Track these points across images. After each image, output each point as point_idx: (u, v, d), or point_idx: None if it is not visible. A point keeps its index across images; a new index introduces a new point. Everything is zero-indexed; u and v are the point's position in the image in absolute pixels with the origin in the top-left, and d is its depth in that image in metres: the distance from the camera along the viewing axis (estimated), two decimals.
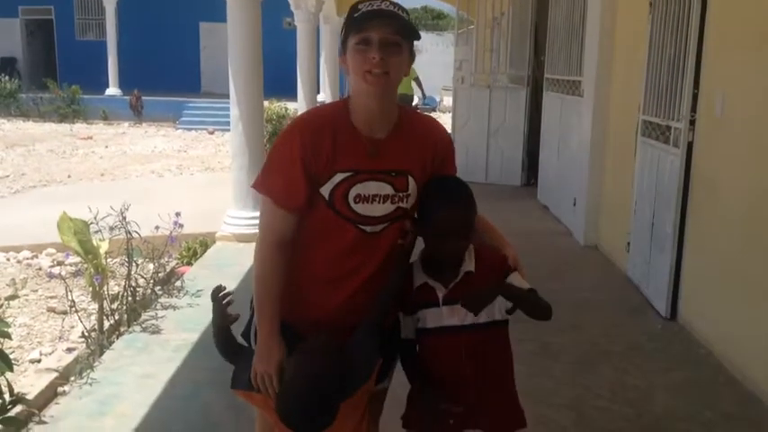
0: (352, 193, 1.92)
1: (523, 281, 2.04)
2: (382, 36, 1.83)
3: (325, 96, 15.82)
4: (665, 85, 4.75)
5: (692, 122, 4.39)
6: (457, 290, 1.96)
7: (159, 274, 5.33)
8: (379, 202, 1.95)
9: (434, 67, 25.26)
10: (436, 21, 37.07)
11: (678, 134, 4.51)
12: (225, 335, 2.07)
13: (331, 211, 1.93)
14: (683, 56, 4.46)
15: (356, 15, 1.86)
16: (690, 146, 4.42)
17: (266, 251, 1.97)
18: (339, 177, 1.91)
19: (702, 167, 4.32)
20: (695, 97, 4.36)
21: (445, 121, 13.85)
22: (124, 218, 4.79)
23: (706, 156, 4.28)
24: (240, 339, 2.11)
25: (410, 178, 1.97)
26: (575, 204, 6.74)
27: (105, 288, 4.57)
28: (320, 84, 15.94)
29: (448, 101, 19.38)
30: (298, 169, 1.89)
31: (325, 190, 1.92)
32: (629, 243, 5.40)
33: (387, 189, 1.95)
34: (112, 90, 21.27)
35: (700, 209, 4.36)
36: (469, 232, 1.98)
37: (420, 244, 2.05)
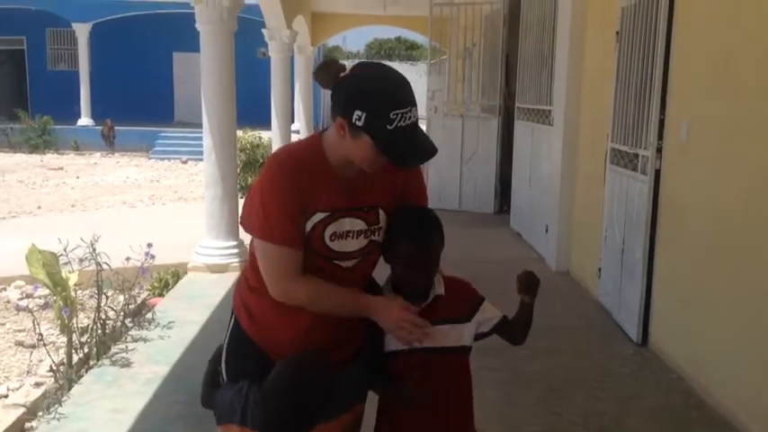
0: (328, 231, 1.92)
1: (494, 309, 2.10)
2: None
3: (299, 125, 15.86)
4: (633, 113, 4.84)
5: (659, 150, 4.47)
6: (427, 312, 1.97)
7: (130, 306, 5.27)
8: (352, 238, 1.96)
9: None
10: (410, 51, 37.52)
11: (646, 161, 4.59)
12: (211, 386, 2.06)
13: (309, 250, 1.93)
14: (650, 84, 4.56)
15: (392, 127, 1.77)
16: (657, 173, 4.49)
17: (301, 284, 1.93)
18: (318, 217, 1.91)
19: (670, 194, 4.40)
20: (662, 125, 4.45)
21: None
22: (94, 249, 4.74)
23: (673, 182, 4.36)
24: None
25: (380, 211, 1.99)
26: (547, 231, 6.80)
27: (74, 321, 4.50)
28: (294, 113, 15.98)
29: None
30: (298, 207, 1.88)
31: (306, 227, 1.91)
32: (600, 269, 5.46)
33: (360, 225, 1.96)
34: (84, 120, 21.16)
35: (668, 235, 4.43)
36: (437, 264, 2.00)
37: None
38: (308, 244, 1.92)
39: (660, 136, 4.45)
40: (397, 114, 1.76)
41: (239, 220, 2.03)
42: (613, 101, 5.18)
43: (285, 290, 1.94)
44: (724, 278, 3.73)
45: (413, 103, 1.81)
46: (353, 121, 1.78)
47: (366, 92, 1.80)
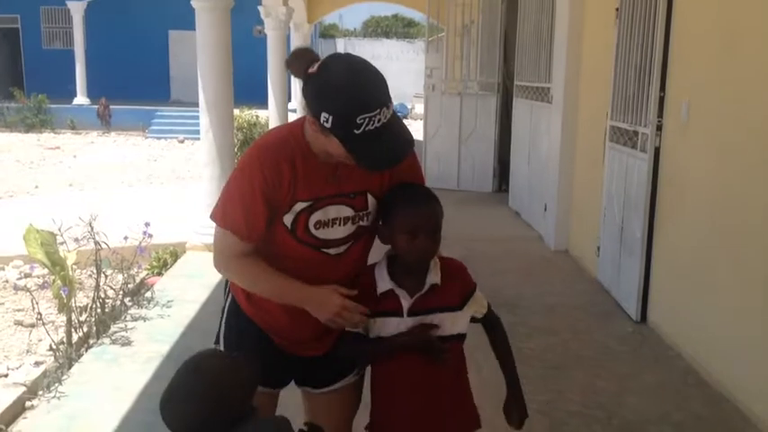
0: (312, 220, 1.90)
1: (483, 298, 2.07)
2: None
3: (296, 104, 15.79)
4: (632, 90, 4.82)
5: (659, 128, 4.45)
6: (421, 302, 1.94)
7: (129, 285, 5.27)
8: (339, 225, 1.93)
9: (405, 75, 25.38)
10: (407, 28, 37.23)
11: (645, 139, 4.57)
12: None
13: (293, 240, 1.91)
14: (650, 61, 4.53)
15: (359, 132, 1.69)
16: (657, 151, 4.48)
17: (235, 264, 1.94)
18: (300, 206, 1.88)
19: (669, 172, 4.39)
20: (662, 102, 4.42)
21: (417, 128, 13.87)
22: (92, 228, 4.73)
23: (673, 160, 4.35)
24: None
25: (369, 196, 1.95)
26: (545, 210, 6.79)
27: (73, 300, 4.50)
28: (291, 91, 15.91)
29: (419, 108, 19.46)
30: (258, 203, 1.85)
31: (287, 219, 1.89)
32: (599, 247, 5.46)
33: (346, 211, 1.93)
34: (80, 99, 21.04)
35: (667, 213, 4.42)
36: (438, 233, 1.93)
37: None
38: (293, 233, 1.90)
39: (660, 113, 4.43)
40: (365, 118, 1.68)
41: None
42: (613, 78, 5.15)
43: (220, 267, 1.98)
44: (723, 256, 3.73)
45: (384, 104, 1.70)
46: (321, 122, 1.72)
47: (332, 94, 1.71)
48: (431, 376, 1.95)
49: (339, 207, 1.91)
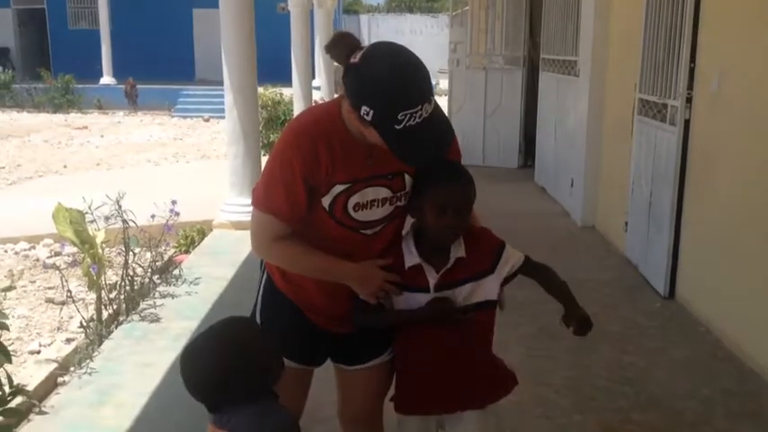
0: (351, 202, 1.89)
1: (515, 251, 2.05)
2: None
3: (320, 81, 15.74)
4: (662, 62, 4.73)
5: (689, 100, 4.37)
6: (447, 276, 1.93)
7: (157, 263, 5.32)
8: (377, 207, 1.92)
9: (429, 50, 25.12)
10: (431, 3, 36.87)
11: (675, 112, 4.49)
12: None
13: (332, 221, 1.91)
14: (680, 33, 4.43)
15: (400, 127, 1.68)
16: (687, 123, 4.40)
17: (275, 247, 1.94)
18: (338, 189, 1.87)
19: (699, 145, 4.31)
20: (692, 74, 4.33)
21: (441, 104, 13.76)
22: (120, 207, 4.77)
23: (703, 133, 4.27)
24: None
25: (406, 176, 1.94)
26: (572, 185, 6.73)
27: (103, 278, 4.55)
28: (315, 68, 15.86)
29: (443, 84, 19.31)
30: (299, 185, 1.84)
31: (326, 201, 1.89)
32: (626, 223, 5.40)
33: (384, 192, 1.92)
34: (107, 79, 21.19)
35: (697, 187, 4.35)
36: (467, 212, 1.93)
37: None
38: (332, 215, 1.90)
39: (690, 85, 4.35)
40: (406, 115, 1.67)
41: None
42: (642, 50, 5.05)
43: (260, 250, 1.99)
44: (754, 230, 3.67)
45: (425, 99, 1.69)
46: (362, 114, 1.71)
47: (374, 89, 1.69)
48: (454, 344, 1.95)
49: (377, 189, 1.90)
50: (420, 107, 1.68)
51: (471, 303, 1.95)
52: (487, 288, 1.98)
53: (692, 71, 4.33)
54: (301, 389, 2.16)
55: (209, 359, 1.67)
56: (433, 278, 1.93)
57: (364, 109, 1.70)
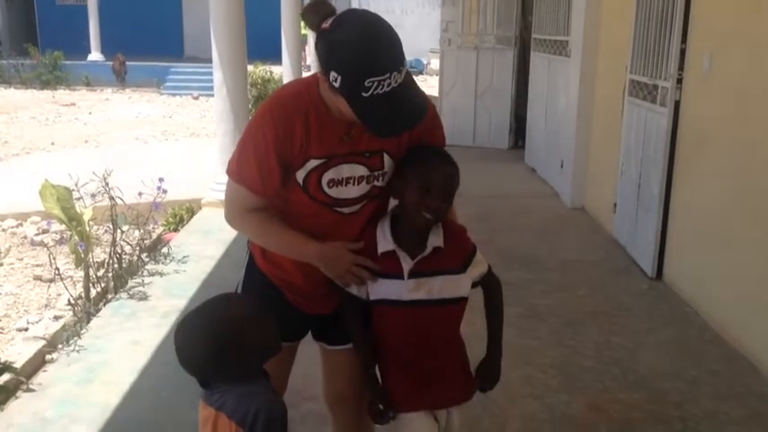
0: (325, 178, 1.87)
1: (483, 261, 2.02)
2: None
3: (310, 60, 15.64)
4: (653, 43, 4.72)
5: (680, 81, 4.36)
6: (423, 264, 1.90)
7: (145, 241, 5.31)
8: (353, 184, 1.90)
9: (421, 30, 24.99)
10: None
11: (665, 93, 4.49)
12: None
13: (306, 196, 1.90)
14: (671, 14, 4.42)
15: (368, 95, 1.64)
16: (677, 105, 4.40)
17: (246, 219, 1.94)
18: (312, 164, 1.85)
19: (689, 126, 4.32)
20: (683, 55, 4.33)
21: (432, 84, 13.73)
22: (107, 184, 4.74)
23: (693, 115, 4.27)
24: None
25: (385, 156, 1.91)
26: (562, 166, 6.73)
27: (91, 255, 4.53)
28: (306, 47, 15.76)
29: (435, 64, 19.23)
30: (272, 158, 1.82)
31: (300, 175, 1.87)
32: (615, 204, 5.41)
33: (361, 170, 1.89)
34: (95, 55, 20.93)
35: (686, 168, 4.36)
36: (450, 196, 1.90)
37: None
38: (305, 190, 1.88)
39: (681, 67, 4.34)
40: (373, 82, 1.62)
41: None
42: (633, 30, 5.04)
43: (231, 221, 1.98)
44: (742, 212, 3.69)
45: (395, 68, 1.64)
46: (330, 80, 1.68)
47: (342, 54, 1.65)
48: (427, 341, 1.94)
49: (353, 166, 1.88)
50: (389, 75, 1.63)
51: (444, 298, 1.92)
52: (460, 285, 1.96)
53: (682, 52, 4.33)
54: (284, 365, 2.15)
55: (200, 335, 1.67)
56: (407, 264, 1.90)
57: (333, 75, 1.67)
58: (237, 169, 1.89)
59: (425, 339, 1.94)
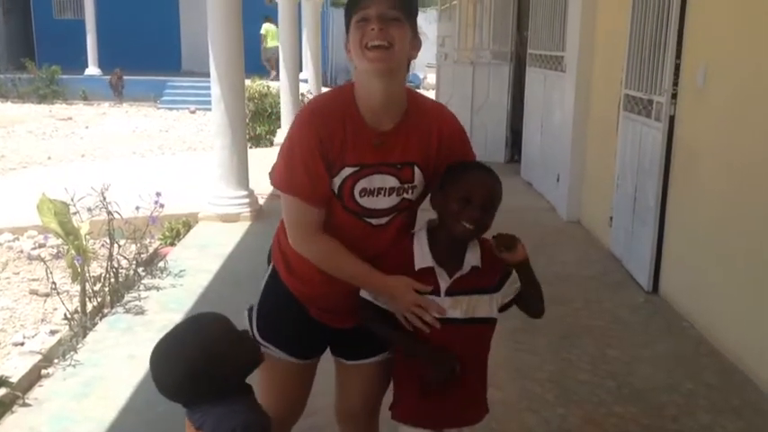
0: (358, 187, 1.89)
1: (517, 278, 2.00)
2: (381, 11, 1.77)
3: (307, 74, 15.70)
4: (648, 58, 4.75)
5: (674, 96, 4.39)
6: (460, 282, 1.88)
7: (142, 255, 5.30)
8: (384, 195, 1.91)
9: None
10: None
11: (660, 108, 4.52)
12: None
13: (339, 204, 1.91)
14: (665, 29, 4.46)
15: None
16: (672, 119, 4.43)
17: (314, 242, 1.93)
18: (347, 171, 1.87)
19: (684, 141, 4.34)
20: (677, 70, 4.36)
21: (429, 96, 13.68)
22: (104, 198, 4.74)
23: (687, 129, 4.30)
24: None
25: (416, 168, 1.93)
26: (558, 180, 6.75)
27: (87, 269, 4.53)
28: (302, 61, 15.80)
29: (431, 78, 19.31)
30: (319, 163, 1.84)
31: (335, 183, 1.88)
32: (611, 218, 5.43)
33: (391, 182, 1.91)
34: (92, 70, 20.97)
35: (681, 182, 4.38)
36: (492, 209, 1.89)
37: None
38: (340, 199, 1.90)
39: (675, 82, 4.37)
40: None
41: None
42: (628, 46, 5.08)
43: (297, 242, 1.95)
44: (737, 226, 3.70)
45: None
46: (345, 29, 1.84)
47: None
48: (459, 359, 1.89)
49: (384, 177, 1.90)
50: None
51: (476, 317, 1.90)
52: (492, 305, 1.94)
53: (677, 67, 4.36)
54: (301, 384, 2.15)
55: (172, 362, 1.67)
56: (445, 282, 1.87)
57: (345, 22, 1.84)
58: (287, 180, 1.89)
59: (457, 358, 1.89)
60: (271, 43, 18.48)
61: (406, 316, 1.88)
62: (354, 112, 1.87)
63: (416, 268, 1.88)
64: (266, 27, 19.11)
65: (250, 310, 2.13)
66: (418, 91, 2.13)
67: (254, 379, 1.91)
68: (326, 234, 1.93)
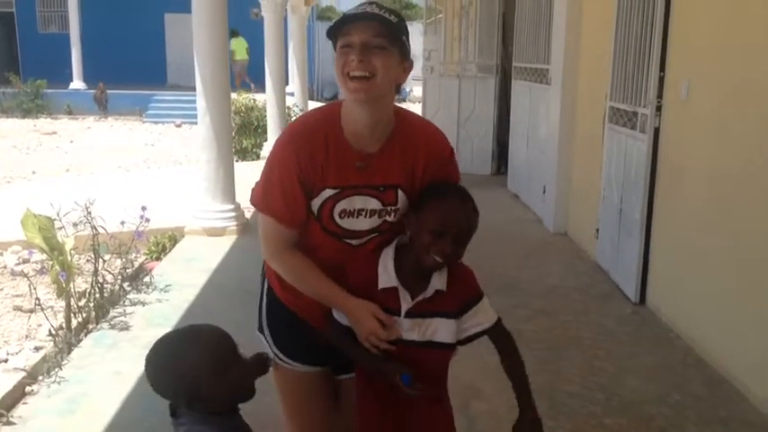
0: (338, 208, 1.87)
1: (490, 310, 1.94)
2: (364, 39, 1.74)
3: (294, 88, 15.71)
4: (632, 71, 4.79)
5: (659, 108, 4.43)
6: (421, 305, 1.83)
7: (127, 270, 5.26)
8: (365, 217, 1.89)
9: None
10: (405, 10, 37.00)
11: (645, 120, 4.55)
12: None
13: (318, 226, 1.90)
14: (650, 41, 4.50)
15: (339, 19, 1.78)
16: (656, 131, 4.46)
17: (284, 258, 1.94)
18: (327, 193, 1.86)
19: (669, 153, 4.37)
20: (661, 82, 4.40)
21: (415, 111, 13.73)
22: (89, 213, 4.71)
23: (672, 141, 4.33)
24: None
25: (399, 192, 1.90)
26: (544, 192, 6.78)
27: (72, 285, 4.49)
28: (288, 75, 15.82)
29: (417, 91, 19.38)
30: (297, 188, 1.84)
31: (315, 204, 1.87)
32: (597, 230, 5.45)
33: (373, 203, 1.89)
34: (77, 84, 20.91)
35: (666, 194, 4.41)
36: (465, 242, 1.82)
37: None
38: (319, 220, 1.88)
39: (660, 94, 4.41)
40: (350, 10, 1.78)
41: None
42: (612, 58, 5.12)
43: (269, 257, 1.97)
44: (723, 237, 3.73)
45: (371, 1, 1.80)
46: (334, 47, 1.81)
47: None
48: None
49: (366, 198, 1.88)
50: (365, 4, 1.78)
51: (436, 341, 1.84)
52: (452, 331, 1.86)
53: (661, 80, 4.40)
54: (320, 395, 2.12)
55: (162, 372, 1.65)
56: (407, 303, 1.83)
57: (332, 42, 1.81)
58: (264, 200, 1.90)
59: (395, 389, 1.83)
60: (239, 57, 18.70)
61: (363, 342, 1.86)
62: (339, 134, 1.85)
63: (379, 287, 1.85)
64: (233, 42, 19.26)
65: (260, 330, 2.10)
66: (406, 107, 2.11)
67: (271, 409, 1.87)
68: (299, 252, 1.92)
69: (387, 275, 1.85)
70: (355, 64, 1.74)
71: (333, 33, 1.80)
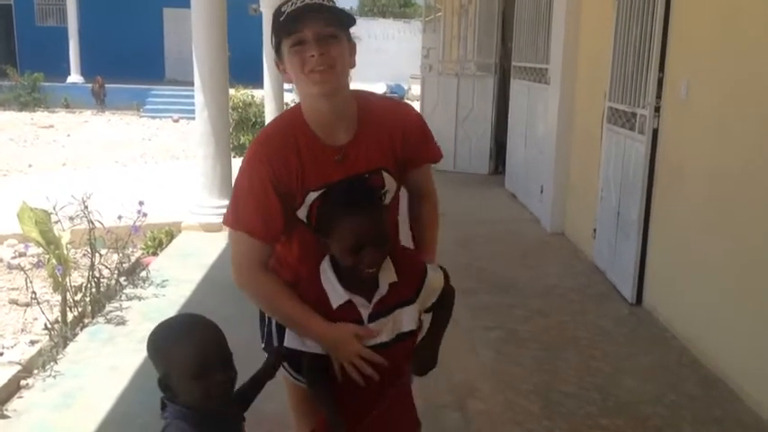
0: None
1: (436, 270, 1.89)
2: (316, 31, 1.69)
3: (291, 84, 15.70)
4: (631, 71, 4.79)
5: (657, 109, 4.43)
6: (381, 304, 1.78)
7: (124, 265, 5.25)
8: None
9: (402, 56, 25.21)
10: (404, 8, 37.00)
11: (644, 121, 4.56)
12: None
13: (310, 233, 1.83)
14: (649, 42, 4.50)
15: (282, 18, 1.72)
16: (655, 132, 4.46)
17: (260, 281, 1.84)
18: (313, 196, 1.80)
19: (667, 154, 4.37)
20: (660, 83, 4.40)
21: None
22: (86, 207, 4.70)
23: (671, 142, 4.33)
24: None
25: (385, 174, 1.87)
26: (542, 192, 6.78)
27: (68, 279, 4.48)
28: None
29: (416, 89, 19.38)
30: (271, 196, 1.77)
31: (302, 213, 1.82)
32: (595, 230, 5.45)
33: None
34: (74, 77, 20.89)
35: (664, 195, 4.41)
36: (387, 239, 1.76)
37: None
38: (309, 226, 1.83)
39: (659, 95, 4.41)
40: (286, 4, 1.71)
41: None
42: (611, 59, 5.12)
43: (239, 279, 1.86)
44: (720, 238, 3.73)
45: None
46: (274, 49, 1.78)
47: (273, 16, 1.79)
48: (381, 382, 1.80)
49: None
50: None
51: (403, 332, 1.80)
52: (413, 315, 1.83)
53: (660, 81, 4.40)
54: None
55: (154, 359, 1.67)
56: (366, 309, 1.78)
57: (273, 41, 1.77)
58: (234, 215, 1.81)
59: (379, 381, 1.80)
60: None
61: (345, 367, 1.77)
62: (308, 133, 1.80)
63: (334, 307, 1.78)
64: None
65: (280, 348, 1.96)
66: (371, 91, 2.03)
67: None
68: (272, 274, 1.86)
69: (335, 293, 1.79)
70: (316, 59, 1.70)
71: (279, 31, 1.74)
